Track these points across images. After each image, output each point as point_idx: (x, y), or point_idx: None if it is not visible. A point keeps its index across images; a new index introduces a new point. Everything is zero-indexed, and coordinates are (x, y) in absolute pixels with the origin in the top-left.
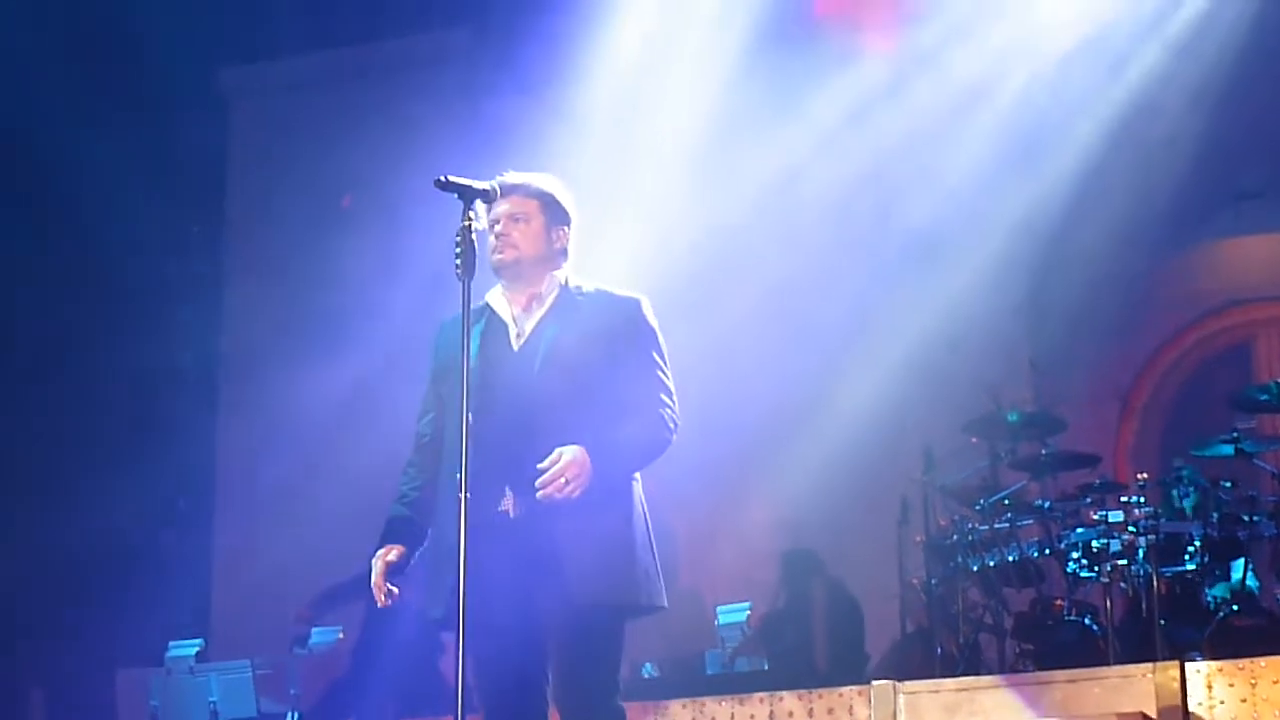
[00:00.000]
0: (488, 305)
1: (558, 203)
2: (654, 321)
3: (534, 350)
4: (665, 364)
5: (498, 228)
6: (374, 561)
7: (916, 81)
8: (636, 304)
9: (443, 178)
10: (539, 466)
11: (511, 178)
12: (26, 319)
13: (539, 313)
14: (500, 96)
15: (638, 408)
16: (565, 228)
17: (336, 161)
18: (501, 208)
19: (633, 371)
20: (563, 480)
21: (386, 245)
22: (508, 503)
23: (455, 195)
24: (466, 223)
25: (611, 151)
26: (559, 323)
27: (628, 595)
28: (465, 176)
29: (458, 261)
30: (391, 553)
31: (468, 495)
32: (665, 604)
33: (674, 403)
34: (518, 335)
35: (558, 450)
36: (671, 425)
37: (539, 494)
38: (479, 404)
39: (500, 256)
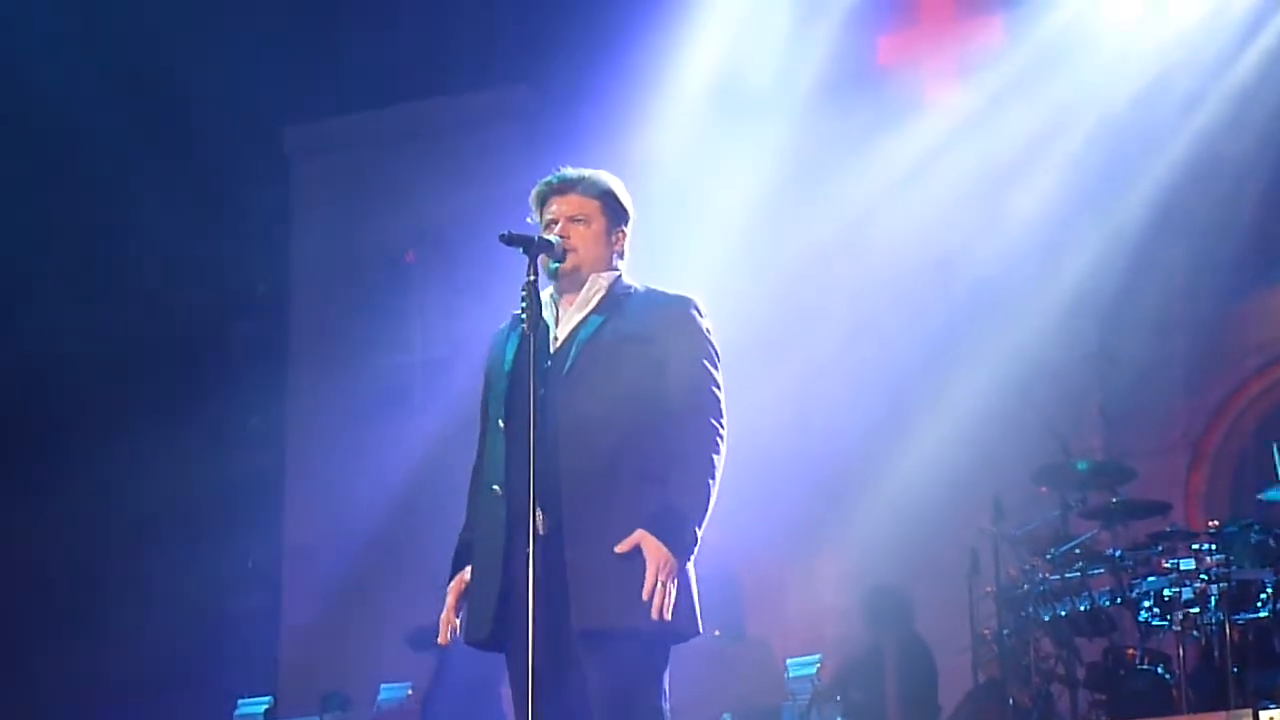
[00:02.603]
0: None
1: (619, 202)
2: (706, 323)
3: (566, 352)
4: (716, 371)
5: (556, 228)
6: (447, 594)
7: (982, 129)
8: (686, 303)
9: (507, 232)
10: (615, 550)
11: (570, 173)
12: (92, 389)
13: (580, 315)
14: (562, 151)
15: (681, 420)
16: (624, 228)
17: (399, 218)
18: (561, 206)
19: (678, 379)
20: (660, 587)
21: (450, 301)
22: (536, 516)
23: (520, 250)
24: (532, 277)
25: (676, 202)
26: (597, 323)
27: (649, 621)
28: (527, 231)
29: (524, 316)
30: (466, 573)
31: (507, 510)
32: (699, 631)
33: (722, 424)
34: (555, 338)
35: (638, 539)
36: (715, 447)
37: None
38: (513, 413)
39: (560, 265)
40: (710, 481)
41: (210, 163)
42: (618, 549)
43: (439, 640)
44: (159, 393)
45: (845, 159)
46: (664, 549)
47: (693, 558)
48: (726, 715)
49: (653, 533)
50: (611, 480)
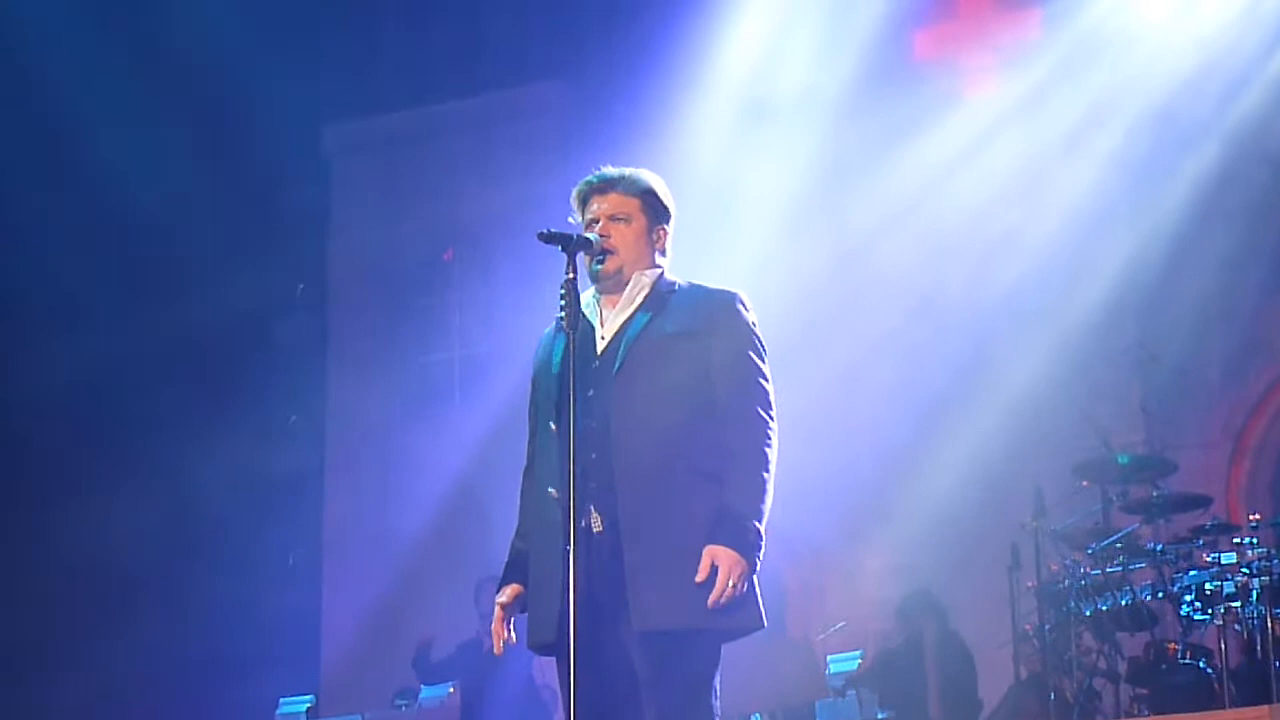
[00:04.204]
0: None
1: (659, 200)
2: (751, 317)
3: (614, 352)
4: (763, 364)
5: (598, 227)
6: (496, 605)
7: (1019, 124)
8: (731, 298)
9: (545, 230)
10: (696, 581)
11: (611, 172)
12: (133, 389)
13: (625, 314)
14: (599, 148)
15: (730, 415)
16: (665, 226)
17: (438, 215)
18: (601, 205)
19: (725, 372)
20: (729, 586)
21: (488, 298)
22: (591, 517)
23: (559, 247)
24: (570, 275)
25: (713, 199)
26: (643, 321)
27: (709, 619)
28: (565, 229)
29: (562, 314)
30: (505, 594)
31: (563, 512)
32: (763, 624)
33: (771, 415)
34: (602, 338)
35: (709, 557)
36: (767, 440)
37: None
38: (564, 415)
39: (601, 267)
40: (765, 475)
41: (250, 162)
42: (697, 580)
43: (495, 652)
44: (200, 392)
45: (883, 154)
46: (733, 553)
47: (761, 553)
48: (756, 715)
49: (718, 542)
50: (667, 478)
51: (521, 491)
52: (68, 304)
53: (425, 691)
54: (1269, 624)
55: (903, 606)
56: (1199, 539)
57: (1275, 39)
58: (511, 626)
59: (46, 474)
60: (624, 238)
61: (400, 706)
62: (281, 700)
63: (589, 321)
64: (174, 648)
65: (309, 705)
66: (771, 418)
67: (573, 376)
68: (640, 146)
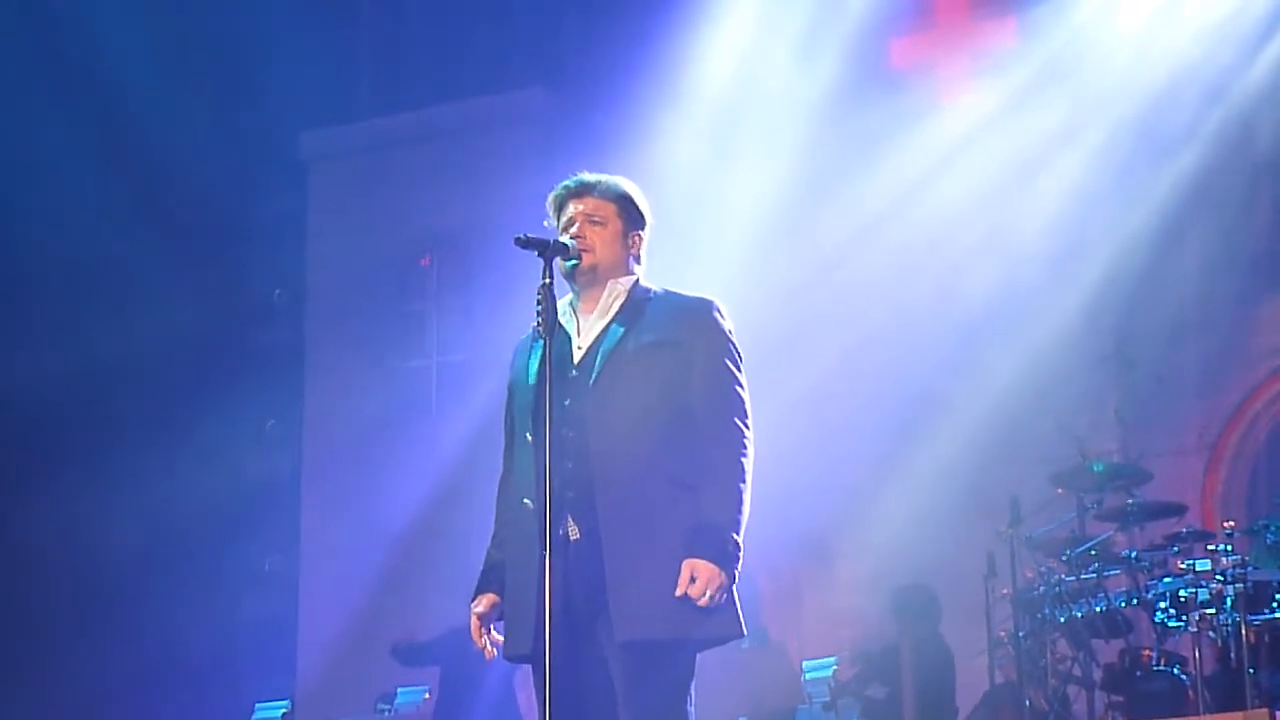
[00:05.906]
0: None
1: (635, 206)
2: (728, 325)
3: (591, 362)
4: (739, 372)
5: (574, 229)
6: (471, 615)
7: (995, 132)
8: (708, 306)
9: (521, 235)
10: (676, 595)
11: (588, 177)
12: (111, 394)
13: (602, 322)
14: (578, 155)
15: (706, 424)
16: (640, 232)
17: (415, 222)
18: (578, 207)
19: (702, 381)
20: (707, 599)
21: (466, 305)
22: (568, 526)
23: (535, 253)
24: (547, 280)
25: (690, 206)
26: (620, 331)
27: (686, 628)
28: (542, 234)
29: (538, 321)
30: (481, 604)
31: (533, 522)
32: (742, 633)
33: (747, 425)
34: (578, 347)
35: (688, 570)
36: (743, 450)
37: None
38: (540, 426)
39: (576, 263)
40: (741, 486)
41: (227, 167)
42: (676, 594)
43: (486, 658)
44: (177, 397)
45: (860, 162)
46: (711, 566)
47: (739, 564)
48: (742, 719)
49: (696, 555)
50: (645, 487)
51: (497, 500)
52: (42, 308)
53: (401, 697)
54: (1243, 631)
55: (879, 613)
56: (1174, 546)
57: (1254, 48)
58: (493, 633)
59: (19, 478)
60: (600, 238)
61: (381, 711)
62: (257, 705)
63: (565, 330)
64: (149, 653)
65: (285, 711)
66: (748, 427)
67: (549, 385)
68: (619, 153)
